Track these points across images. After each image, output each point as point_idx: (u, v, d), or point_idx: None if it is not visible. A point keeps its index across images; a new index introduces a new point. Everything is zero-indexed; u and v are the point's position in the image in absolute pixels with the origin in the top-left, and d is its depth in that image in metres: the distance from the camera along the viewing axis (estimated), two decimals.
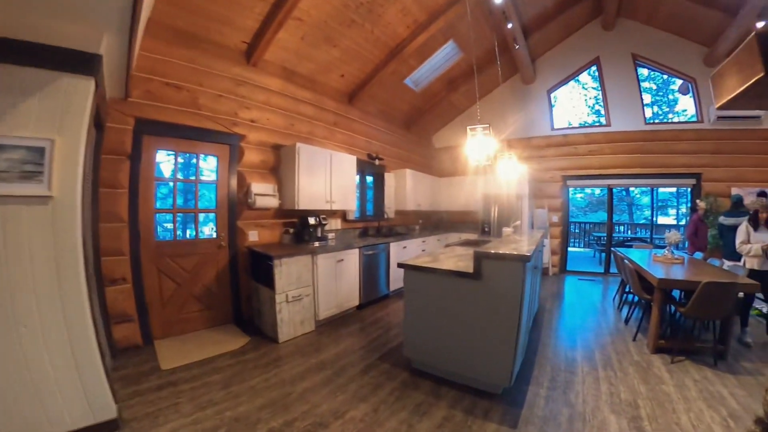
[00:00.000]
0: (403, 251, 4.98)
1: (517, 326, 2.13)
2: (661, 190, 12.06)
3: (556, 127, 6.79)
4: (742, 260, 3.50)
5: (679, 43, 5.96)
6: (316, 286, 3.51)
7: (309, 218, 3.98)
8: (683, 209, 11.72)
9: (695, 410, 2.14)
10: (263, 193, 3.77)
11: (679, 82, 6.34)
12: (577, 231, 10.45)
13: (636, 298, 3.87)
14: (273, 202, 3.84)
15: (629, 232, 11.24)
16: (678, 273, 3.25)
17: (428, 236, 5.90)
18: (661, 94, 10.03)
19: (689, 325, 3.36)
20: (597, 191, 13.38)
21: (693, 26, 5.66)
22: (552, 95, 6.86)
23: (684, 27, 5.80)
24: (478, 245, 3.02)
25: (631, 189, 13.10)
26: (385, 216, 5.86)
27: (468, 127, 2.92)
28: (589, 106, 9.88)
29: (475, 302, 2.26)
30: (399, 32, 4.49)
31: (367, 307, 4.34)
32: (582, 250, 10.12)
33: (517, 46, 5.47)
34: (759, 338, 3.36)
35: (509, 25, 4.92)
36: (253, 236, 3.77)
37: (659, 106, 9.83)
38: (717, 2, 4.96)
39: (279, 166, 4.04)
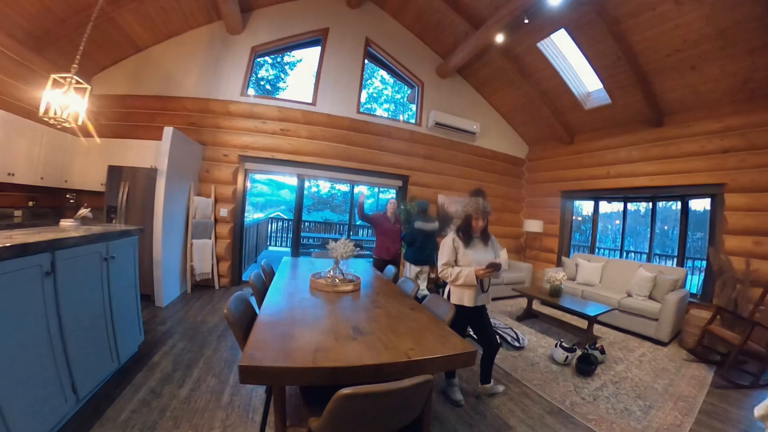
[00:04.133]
0: None
1: None
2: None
3: (248, 93, 5.04)
4: (446, 291, 2.31)
5: (419, 46, 5.92)
6: None
7: None
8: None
9: None
10: None
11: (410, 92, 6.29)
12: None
13: None
14: None
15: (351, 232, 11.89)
16: (321, 332, 1.45)
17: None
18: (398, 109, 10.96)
19: None
20: (325, 189, 13.55)
21: (436, 33, 5.62)
22: (257, 59, 5.37)
23: (428, 32, 5.70)
24: None
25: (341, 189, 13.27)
26: None
27: None
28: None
29: None
30: None
31: None
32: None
33: None
34: (469, 383, 2.43)
35: None
36: None
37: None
38: (465, 10, 4.88)
39: None
